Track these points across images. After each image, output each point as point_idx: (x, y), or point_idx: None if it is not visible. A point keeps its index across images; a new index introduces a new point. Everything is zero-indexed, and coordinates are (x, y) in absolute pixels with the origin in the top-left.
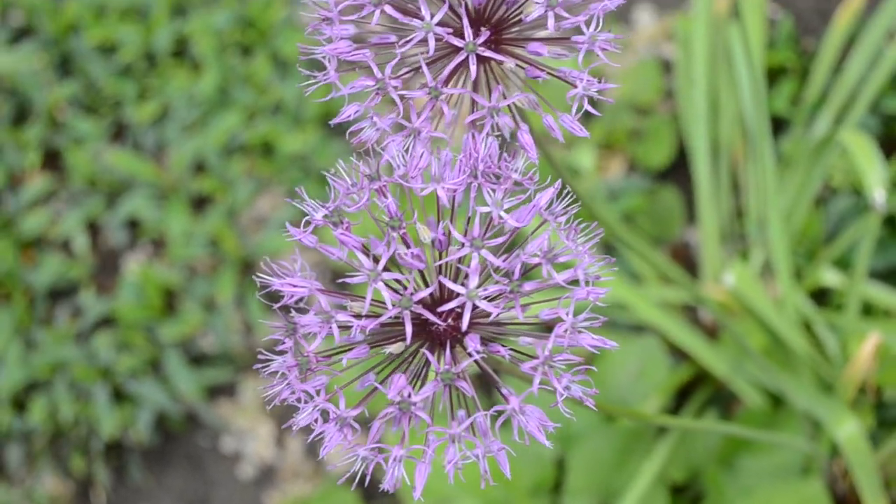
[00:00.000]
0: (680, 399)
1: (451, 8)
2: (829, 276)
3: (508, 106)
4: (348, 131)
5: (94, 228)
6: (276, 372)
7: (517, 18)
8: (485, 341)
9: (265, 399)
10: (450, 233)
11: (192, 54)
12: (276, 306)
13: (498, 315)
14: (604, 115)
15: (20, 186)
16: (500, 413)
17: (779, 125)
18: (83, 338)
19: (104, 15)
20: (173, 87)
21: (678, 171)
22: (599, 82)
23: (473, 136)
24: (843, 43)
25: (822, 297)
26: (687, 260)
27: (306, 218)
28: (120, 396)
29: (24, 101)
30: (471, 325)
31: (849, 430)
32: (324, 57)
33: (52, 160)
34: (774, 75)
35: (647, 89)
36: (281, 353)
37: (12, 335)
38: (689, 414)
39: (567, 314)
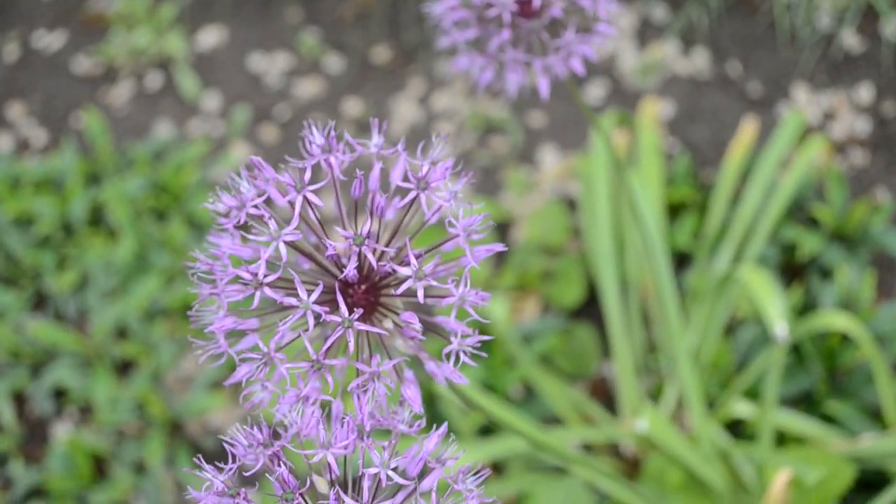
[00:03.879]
0: None
1: (331, 273)
2: (741, 408)
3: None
4: (241, 395)
5: (20, 399)
6: None
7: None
8: None
9: None
10: (341, 498)
11: (108, 222)
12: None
13: None
14: (515, 258)
15: None
16: None
17: (685, 258)
18: None
19: (19, 187)
20: (91, 255)
21: (591, 307)
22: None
23: (359, 397)
24: (739, 175)
25: (737, 426)
26: (606, 394)
27: (206, 483)
28: None
29: None
30: None
31: None
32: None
33: None
34: (676, 210)
35: (555, 230)
36: None
37: None
38: None
39: None
